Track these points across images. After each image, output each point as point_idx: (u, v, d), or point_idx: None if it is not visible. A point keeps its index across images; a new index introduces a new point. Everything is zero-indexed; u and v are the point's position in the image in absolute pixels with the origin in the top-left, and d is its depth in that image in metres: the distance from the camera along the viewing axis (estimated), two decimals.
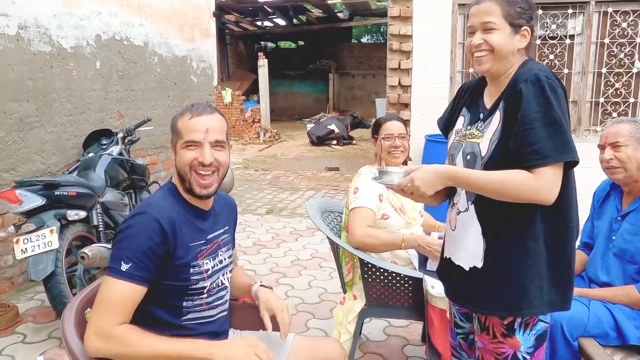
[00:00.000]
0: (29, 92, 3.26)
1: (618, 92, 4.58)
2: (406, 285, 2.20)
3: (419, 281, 2.15)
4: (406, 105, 4.85)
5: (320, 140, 11.48)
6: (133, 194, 3.63)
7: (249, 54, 18.47)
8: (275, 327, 1.58)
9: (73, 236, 2.77)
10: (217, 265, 1.48)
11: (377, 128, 2.39)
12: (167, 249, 1.32)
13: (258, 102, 13.96)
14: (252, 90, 16.01)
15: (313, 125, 12.42)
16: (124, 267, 1.26)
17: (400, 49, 4.76)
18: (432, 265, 2.25)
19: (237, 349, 1.29)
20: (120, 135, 3.65)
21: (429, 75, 4.72)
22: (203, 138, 1.37)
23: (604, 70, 4.54)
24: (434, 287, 2.08)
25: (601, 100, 4.59)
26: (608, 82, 4.59)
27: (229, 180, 6.45)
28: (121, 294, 1.26)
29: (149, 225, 1.30)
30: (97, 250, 2.63)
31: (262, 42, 19.89)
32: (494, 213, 1.34)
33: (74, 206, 2.75)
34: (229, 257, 1.56)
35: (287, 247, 4.39)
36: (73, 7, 3.61)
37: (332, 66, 18.77)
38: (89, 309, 1.42)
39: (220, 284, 1.50)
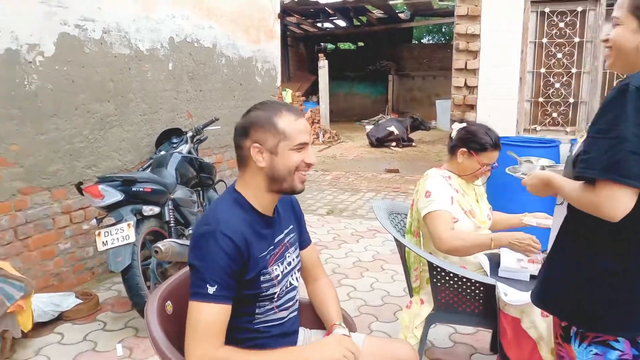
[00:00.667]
0: (110, 92, 3.46)
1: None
2: (477, 291, 2.12)
3: (491, 287, 2.06)
4: (472, 107, 4.70)
5: (379, 141, 11.38)
6: (201, 192, 3.75)
7: (309, 55, 18.65)
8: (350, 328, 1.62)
9: (147, 231, 2.89)
10: (286, 268, 1.46)
11: (479, 147, 2.20)
12: (241, 264, 1.31)
13: (317, 103, 14.05)
14: (312, 91, 16.15)
15: (372, 126, 12.34)
16: (211, 290, 1.25)
17: (467, 49, 4.62)
18: (505, 271, 2.16)
19: (329, 348, 1.34)
20: (190, 134, 3.78)
21: (497, 76, 4.55)
22: (309, 139, 1.38)
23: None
24: (507, 295, 1.99)
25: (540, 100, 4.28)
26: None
27: None
28: (216, 317, 1.26)
29: (223, 244, 1.27)
30: (169, 245, 2.74)
31: (322, 44, 20.03)
32: (579, 214, 1.27)
33: (149, 202, 2.88)
34: (297, 257, 1.55)
35: (348, 248, 4.38)
36: (150, 11, 3.78)
37: (392, 67, 18.56)
38: (169, 302, 1.47)
39: (289, 286, 1.49)
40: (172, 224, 3.07)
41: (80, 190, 2.74)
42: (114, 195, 2.70)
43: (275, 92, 6.12)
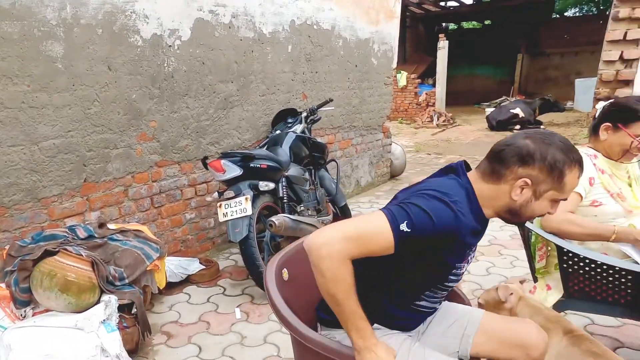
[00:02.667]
0: (233, 74, 3.67)
1: None
2: (623, 280, 1.88)
3: None
4: (627, 83, 4.15)
5: (500, 124, 10.70)
6: (313, 170, 3.85)
7: (428, 35, 18.02)
8: (459, 300, 1.63)
9: (262, 205, 3.05)
10: (467, 265, 1.44)
11: (628, 118, 1.97)
12: (451, 249, 1.27)
13: (433, 85, 13.60)
14: (429, 73, 15.64)
15: (493, 109, 11.64)
16: (404, 227, 1.19)
17: (630, 16, 4.06)
18: None
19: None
20: (304, 114, 3.87)
21: None
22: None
23: None
24: None
25: None
26: None
27: (400, 162, 6.44)
28: (382, 241, 1.21)
29: (458, 231, 1.22)
30: (283, 220, 2.86)
31: (443, 24, 19.22)
32: None
33: (265, 178, 3.02)
34: (474, 255, 1.50)
35: None
36: None
37: (523, 45, 17.15)
38: (285, 269, 1.55)
39: (459, 279, 1.48)
40: (285, 200, 3.20)
41: (205, 165, 2.97)
42: (234, 170, 2.88)
43: (391, 74, 6.02)
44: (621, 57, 4.13)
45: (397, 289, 1.41)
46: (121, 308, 2.29)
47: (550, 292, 2.10)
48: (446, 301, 1.65)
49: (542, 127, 10.73)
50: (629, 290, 1.87)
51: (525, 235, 2.25)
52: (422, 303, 1.44)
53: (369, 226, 1.23)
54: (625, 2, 4.06)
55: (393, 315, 1.45)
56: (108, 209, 2.97)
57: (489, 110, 11.75)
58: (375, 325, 1.44)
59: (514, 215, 1.30)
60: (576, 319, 2.57)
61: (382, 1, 5.44)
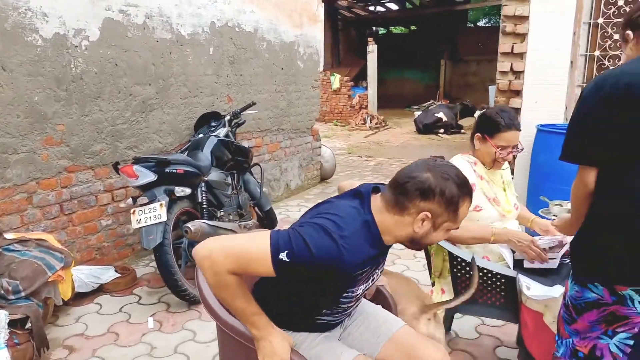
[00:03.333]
0: (151, 76, 3.58)
1: None
2: (498, 283, 2.06)
3: (513, 280, 2.00)
4: (517, 93, 4.49)
5: (426, 128, 11.17)
6: (236, 175, 3.83)
7: (359, 39, 18.43)
8: (382, 298, 1.70)
9: (180, 211, 3.00)
10: (368, 285, 1.46)
11: (491, 130, 2.12)
12: (334, 278, 1.29)
13: (366, 88, 13.92)
14: (362, 76, 15.98)
15: (421, 112, 12.11)
16: (284, 256, 1.23)
17: (515, 32, 4.40)
18: (530, 263, 2.08)
19: (271, 352, 1.32)
20: (227, 117, 3.84)
21: (545, 60, 4.30)
22: None
23: None
24: (530, 289, 1.92)
25: None
26: None
27: (330, 165, 6.55)
28: (261, 266, 1.25)
29: (339, 267, 1.24)
30: (199, 226, 2.83)
31: (373, 28, 19.73)
32: None
33: (182, 183, 2.98)
34: (381, 271, 1.54)
35: None
36: None
37: (445, 52, 18.01)
38: None
39: (360, 298, 1.52)
40: (204, 205, 3.17)
41: (117, 170, 2.88)
42: (147, 176, 2.82)
43: (318, 77, 6.11)
44: (512, 69, 4.45)
45: (296, 305, 1.46)
46: (13, 323, 2.16)
47: (444, 295, 2.24)
48: (375, 305, 1.71)
49: (462, 131, 11.29)
50: (502, 293, 2.04)
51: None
52: (325, 318, 1.48)
53: (251, 248, 1.27)
54: (509, 18, 4.39)
55: (299, 325, 1.51)
56: (7, 217, 2.80)
57: (417, 114, 12.19)
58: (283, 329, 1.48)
59: (414, 244, 1.38)
60: (469, 319, 2.72)
61: (304, 4, 5.51)
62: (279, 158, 5.43)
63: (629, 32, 1.48)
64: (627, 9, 4.08)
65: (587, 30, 4.22)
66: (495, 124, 2.10)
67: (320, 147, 6.40)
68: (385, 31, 20.99)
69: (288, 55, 5.32)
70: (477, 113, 2.44)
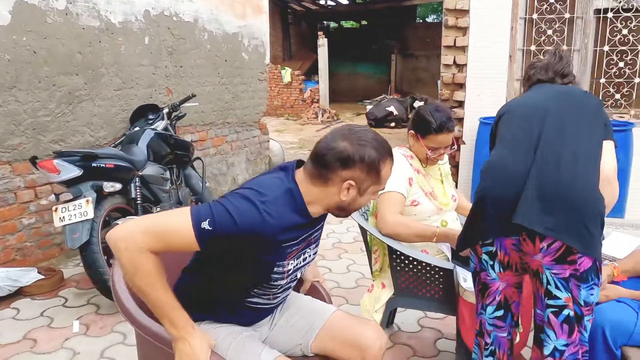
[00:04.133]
0: (78, 65, 3.35)
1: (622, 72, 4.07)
2: (437, 276, 2.04)
3: (450, 272, 1.98)
4: (461, 86, 4.55)
5: (378, 121, 11.28)
6: (176, 169, 3.67)
7: (311, 33, 18.35)
8: (318, 296, 1.69)
9: (110, 208, 2.82)
10: (300, 263, 1.43)
11: (423, 130, 2.07)
12: (259, 246, 1.26)
13: (318, 82, 13.88)
14: (314, 70, 15.93)
15: (373, 106, 12.20)
16: (205, 225, 1.19)
17: (456, 25, 4.45)
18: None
19: (189, 354, 1.23)
20: (166, 110, 3.68)
21: (486, 53, 4.39)
22: None
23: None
24: (467, 281, 1.91)
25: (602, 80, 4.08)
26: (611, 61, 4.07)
27: (278, 159, 6.45)
28: (182, 240, 1.20)
29: (262, 232, 1.21)
30: None
31: (324, 22, 19.69)
32: None
33: (112, 178, 2.80)
34: (315, 253, 1.50)
35: (330, 229, 4.30)
36: None
37: (395, 47, 18.22)
38: None
39: (294, 278, 1.47)
40: (138, 201, 3.00)
41: (34, 164, 2.66)
42: (71, 171, 2.62)
43: (264, 70, 5.98)
44: (455, 62, 4.51)
45: (227, 287, 1.40)
46: None
47: (384, 290, 2.20)
48: (305, 296, 1.68)
49: None
50: (441, 286, 2.03)
51: (364, 235, 2.34)
52: (256, 300, 1.43)
53: (172, 221, 1.23)
54: (451, 11, 4.45)
55: (228, 312, 1.44)
56: None
57: (369, 108, 12.27)
58: (208, 320, 1.43)
59: (342, 211, 1.36)
60: (412, 312, 2.72)
61: None
62: (225, 152, 5.28)
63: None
64: (558, 6, 4.20)
65: (524, 25, 4.32)
66: (427, 125, 2.05)
67: (268, 141, 6.29)
68: (336, 25, 21.00)
69: (232, 47, 5.16)
70: (416, 105, 2.33)
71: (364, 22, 20.22)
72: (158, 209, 3.19)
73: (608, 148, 1.58)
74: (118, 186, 2.80)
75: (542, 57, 4.33)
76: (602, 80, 4.19)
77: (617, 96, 4.17)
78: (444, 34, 4.53)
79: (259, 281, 1.37)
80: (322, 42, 12.88)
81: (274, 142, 6.48)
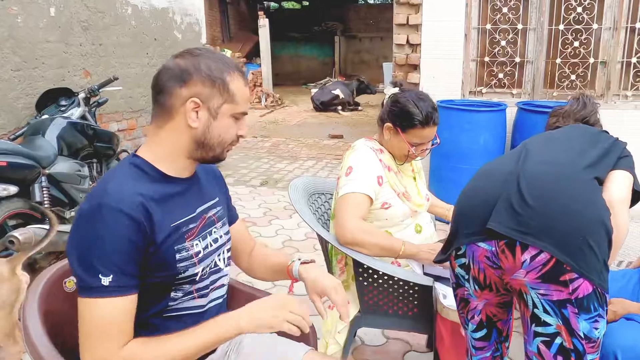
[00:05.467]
0: None
1: (577, 52, 3.95)
2: (411, 291, 1.72)
3: (428, 289, 1.67)
4: (415, 67, 4.26)
5: (324, 105, 10.96)
6: (96, 164, 3.15)
7: (251, 14, 17.63)
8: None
9: (7, 214, 2.31)
10: (211, 245, 1.20)
11: (405, 123, 1.74)
12: (143, 237, 1.04)
13: (260, 65, 13.31)
14: (256, 53, 15.31)
15: (317, 90, 11.84)
16: (106, 281, 0.99)
17: (409, 2, 4.13)
18: (434, 269, 1.76)
19: (265, 315, 1.07)
20: (82, 95, 3.16)
21: (440, 33, 4.11)
22: (247, 110, 1.17)
23: (638, 25, 3.87)
24: (447, 297, 1.60)
25: (633, 60, 3.94)
26: None
27: None
28: (115, 311, 1.01)
29: (114, 220, 1.00)
30: (31, 234, 2.16)
31: (264, 2, 19.00)
32: None
33: (5, 179, 2.27)
34: (226, 234, 1.28)
35: (279, 224, 3.94)
36: None
37: (339, 28, 17.90)
38: (71, 278, 1.23)
39: (213, 266, 1.22)
40: (46, 205, 2.49)
41: None
42: None
43: None
44: (408, 42, 4.21)
45: (146, 297, 1.11)
46: None
47: (348, 307, 1.85)
48: (270, 336, 1.33)
49: (359, 108, 11.25)
50: (416, 302, 1.74)
51: (323, 243, 1.98)
52: (181, 304, 1.16)
53: (90, 319, 1.02)
54: None
55: (167, 327, 1.14)
56: None
57: (314, 91, 11.92)
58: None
59: (204, 148, 1.13)
60: None
61: None
62: None
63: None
64: None
65: (479, 3, 4.07)
66: (409, 118, 1.73)
67: None
68: (277, 6, 20.36)
69: (162, 24, 4.59)
70: (388, 91, 1.87)
71: (305, 3, 19.71)
72: (72, 213, 2.69)
73: (617, 176, 1.38)
74: (13, 189, 2.28)
75: (497, 36, 4.12)
76: (558, 61, 4.03)
77: (573, 77, 4.03)
78: (395, 11, 4.20)
79: (169, 276, 1.11)
80: (263, 23, 12.30)
81: None
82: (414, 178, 1.93)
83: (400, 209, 1.79)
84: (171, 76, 1.09)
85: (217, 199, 1.27)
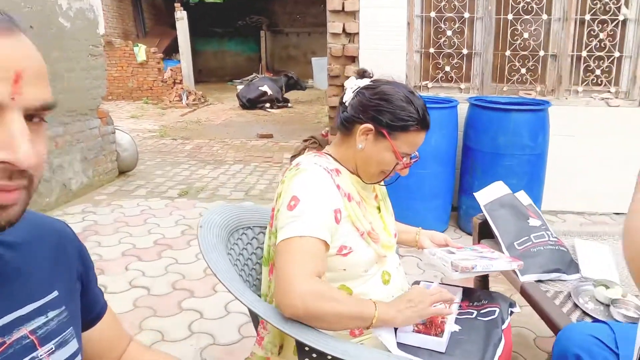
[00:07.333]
0: None
1: (602, 45, 3.69)
2: None
3: None
4: (353, 59, 3.73)
5: (251, 103, 10.30)
6: None
7: (168, 8, 16.48)
8: None
9: None
10: None
11: (398, 124, 1.21)
12: None
13: (179, 61, 12.34)
14: (175, 48, 14.27)
15: (244, 86, 11.13)
16: None
17: None
18: (412, 337, 1.22)
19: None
20: None
21: (380, 20, 3.62)
22: (10, 94, 0.52)
23: (587, 17, 3.60)
24: None
25: (584, 54, 3.68)
26: (592, 32, 3.67)
27: (129, 154, 5.11)
28: None
29: None
30: None
31: None
32: None
33: None
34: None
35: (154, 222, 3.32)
36: None
37: (264, 23, 17.25)
38: None
39: None
40: None
41: None
42: None
43: (98, 42, 4.59)
44: (345, 31, 3.69)
45: None
46: None
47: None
48: None
49: (289, 104, 10.71)
50: None
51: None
52: None
53: None
54: None
55: None
56: None
57: (240, 88, 11.21)
58: None
59: None
60: None
61: None
62: (48, 152, 3.86)
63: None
64: None
65: None
66: (402, 118, 1.21)
67: (114, 133, 4.93)
68: (197, 0, 19.30)
69: (40, 9, 3.72)
70: (351, 84, 1.30)
71: None
72: None
73: None
74: None
75: (443, 25, 3.70)
76: (507, 53, 3.68)
77: (523, 71, 3.69)
78: None
79: None
80: (181, 15, 11.36)
81: (122, 134, 5.12)
82: (378, 208, 1.38)
83: (363, 255, 1.23)
84: None
85: (56, 292, 0.73)
